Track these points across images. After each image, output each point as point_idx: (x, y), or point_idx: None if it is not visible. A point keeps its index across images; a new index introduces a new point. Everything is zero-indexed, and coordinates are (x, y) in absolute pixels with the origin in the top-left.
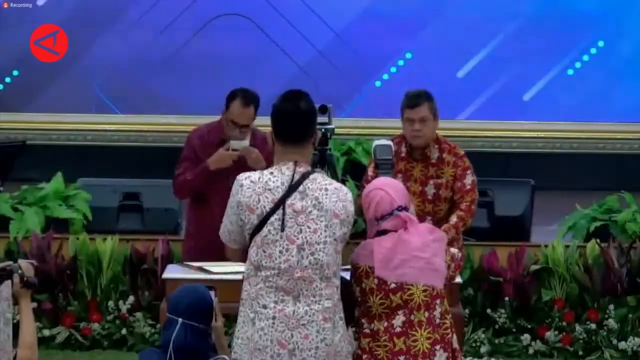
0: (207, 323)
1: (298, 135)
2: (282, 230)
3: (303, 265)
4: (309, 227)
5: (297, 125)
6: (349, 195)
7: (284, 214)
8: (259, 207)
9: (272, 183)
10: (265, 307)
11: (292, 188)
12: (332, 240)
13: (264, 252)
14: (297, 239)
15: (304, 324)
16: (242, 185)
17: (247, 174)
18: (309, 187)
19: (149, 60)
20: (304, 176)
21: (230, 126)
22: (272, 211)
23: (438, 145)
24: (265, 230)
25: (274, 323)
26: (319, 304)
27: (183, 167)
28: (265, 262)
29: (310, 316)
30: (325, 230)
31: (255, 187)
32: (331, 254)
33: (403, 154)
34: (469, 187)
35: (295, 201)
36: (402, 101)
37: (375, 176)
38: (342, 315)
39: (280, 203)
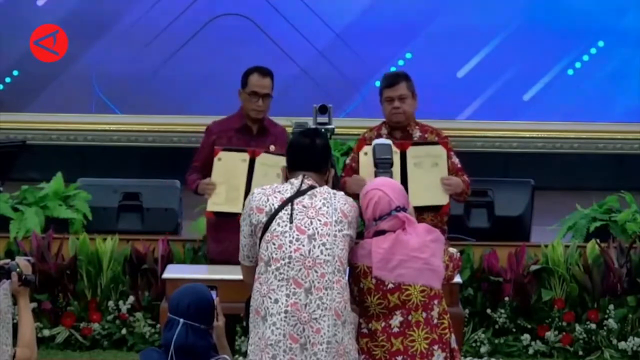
0: (208, 323)
1: (311, 167)
2: (291, 222)
3: (315, 255)
4: (319, 220)
5: (311, 158)
6: (355, 204)
7: (292, 209)
8: (268, 205)
9: (281, 187)
10: (277, 301)
11: (301, 192)
12: (342, 235)
13: (274, 244)
14: (308, 229)
15: (315, 318)
16: (253, 193)
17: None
18: (317, 191)
19: (149, 60)
20: (312, 186)
21: (252, 100)
22: (281, 207)
23: (419, 127)
24: (274, 224)
25: (286, 317)
26: (331, 297)
27: (193, 167)
28: (276, 254)
29: (322, 310)
30: (335, 225)
31: (265, 191)
32: (343, 248)
33: (384, 135)
34: (459, 165)
35: (304, 200)
36: (380, 82)
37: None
38: (351, 318)
39: (289, 201)
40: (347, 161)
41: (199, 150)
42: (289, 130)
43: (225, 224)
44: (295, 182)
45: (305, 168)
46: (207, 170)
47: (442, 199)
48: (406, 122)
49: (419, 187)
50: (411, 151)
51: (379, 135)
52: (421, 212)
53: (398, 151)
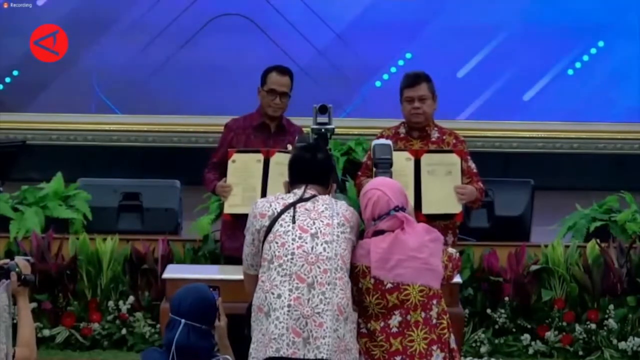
0: (210, 323)
1: (313, 180)
2: (294, 222)
3: (317, 251)
4: (321, 222)
5: (313, 172)
6: (356, 212)
7: (294, 211)
8: (271, 210)
9: (284, 195)
10: (279, 296)
11: (304, 199)
12: (344, 237)
13: (277, 243)
14: (311, 229)
15: (318, 312)
16: (256, 202)
17: None
18: (319, 198)
19: (149, 60)
20: (314, 195)
21: (270, 97)
22: (283, 211)
23: (438, 128)
24: (276, 225)
25: (289, 311)
26: (334, 292)
27: (211, 163)
28: (279, 252)
29: (325, 305)
30: (338, 227)
31: (268, 199)
32: (345, 248)
33: (402, 134)
34: (475, 170)
35: (306, 204)
36: (401, 82)
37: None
38: (353, 317)
39: (291, 205)
40: (364, 159)
41: (217, 147)
42: (306, 130)
43: (243, 223)
44: (298, 191)
45: (307, 181)
46: (225, 167)
47: (455, 208)
48: (425, 123)
49: (432, 195)
50: (425, 159)
51: (397, 134)
52: (433, 221)
53: (412, 158)
